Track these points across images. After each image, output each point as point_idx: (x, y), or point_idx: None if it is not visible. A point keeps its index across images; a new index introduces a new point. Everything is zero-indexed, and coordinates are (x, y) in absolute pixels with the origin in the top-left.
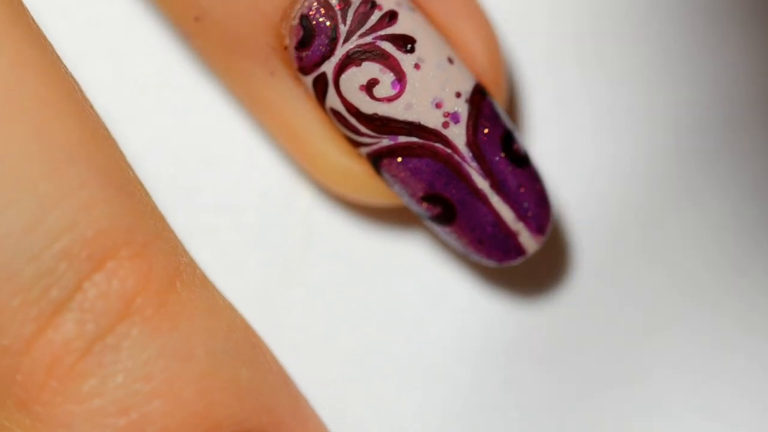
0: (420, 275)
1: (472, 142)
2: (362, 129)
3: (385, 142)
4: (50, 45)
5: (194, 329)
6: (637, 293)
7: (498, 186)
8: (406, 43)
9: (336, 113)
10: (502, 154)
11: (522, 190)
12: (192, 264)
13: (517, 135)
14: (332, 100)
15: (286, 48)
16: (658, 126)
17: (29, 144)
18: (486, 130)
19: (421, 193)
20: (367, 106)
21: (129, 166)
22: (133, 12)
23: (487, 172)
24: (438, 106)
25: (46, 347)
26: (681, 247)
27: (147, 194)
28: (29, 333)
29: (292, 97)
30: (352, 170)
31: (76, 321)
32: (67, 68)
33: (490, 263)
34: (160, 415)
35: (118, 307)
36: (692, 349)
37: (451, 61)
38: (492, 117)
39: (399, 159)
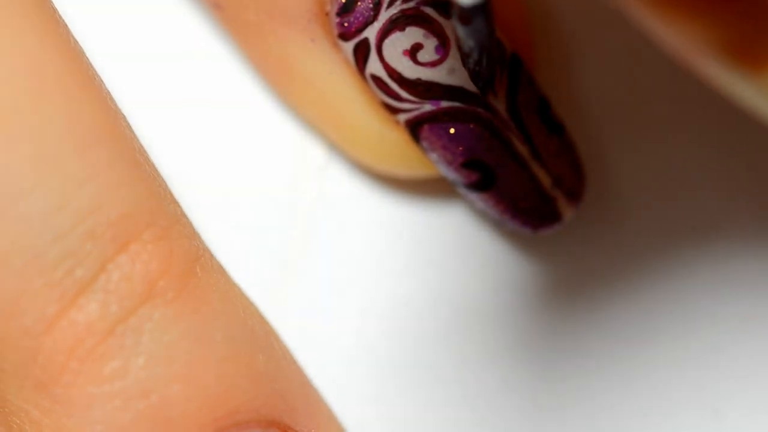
0: (420, 275)
1: (513, 108)
2: (403, 95)
3: (427, 107)
4: (71, 32)
5: (214, 313)
6: (637, 293)
7: (537, 152)
8: (448, 8)
9: (376, 79)
10: (540, 121)
11: (559, 156)
12: (208, 250)
13: (552, 103)
14: (373, 65)
15: (326, 14)
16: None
17: (58, 123)
18: (525, 97)
19: (460, 159)
20: (411, 71)
21: (146, 153)
22: (136, 9)
23: (527, 138)
24: None
25: (69, 328)
26: (682, 244)
27: (164, 180)
28: (52, 313)
29: (331, 64)
30: (387, 138)
31: (99, 302)
32: (86, 55)
33: (525, 231)
34: (180, 399)
35: (141, 289)
36: (692, 349)
37: None
38: (529, 84)
39: (442, 123)
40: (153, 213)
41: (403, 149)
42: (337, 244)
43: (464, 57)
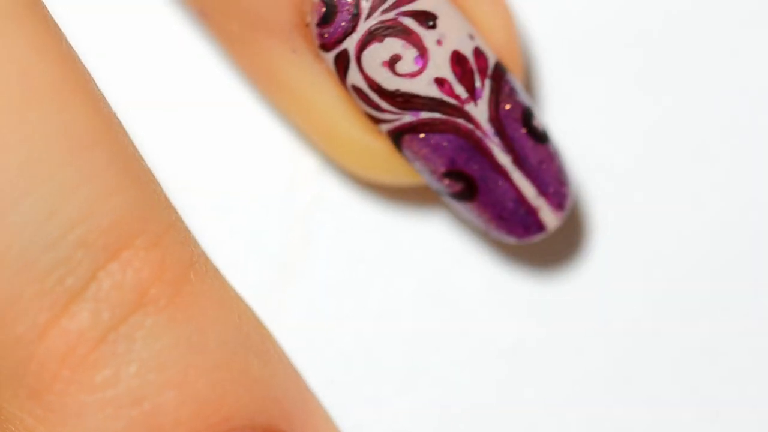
0: (420, 275)
1: (494, 118)
2: (384, 105)
3: (407, 118)
4: (64, 35)
5: (207, 320)
6: (636, 294)
7: (519, 162)
8: (427, 18)
9: (357, 90)
10: (523, 130)
11: (543, 166)
12: (204, 255)
13: (536, 111)
14: (354, 76)
15: (307, 25)
16: (679, 110)
17: (48, 131)
18: (507, 106)
19: (442, 169)
20: (390, 82)
21: (141, 157)
22: (133, 10)
23: (509, 148)
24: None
25: (60, 336)
26: (682, 245)
27: (159, 185)
28: (43, 322)
29: (313, 75)
30: (372, 148)
31: (90, 311)
32: (80, 58)
33: (510, 240)
34: (172, 406)
35: (133, 297)
36: (691, 349)
37: (472, 37)
38: (512, 93)
39: (421, 135)
40: (145, 220)
41: (388, 159)
42: (335, 246)
43: None
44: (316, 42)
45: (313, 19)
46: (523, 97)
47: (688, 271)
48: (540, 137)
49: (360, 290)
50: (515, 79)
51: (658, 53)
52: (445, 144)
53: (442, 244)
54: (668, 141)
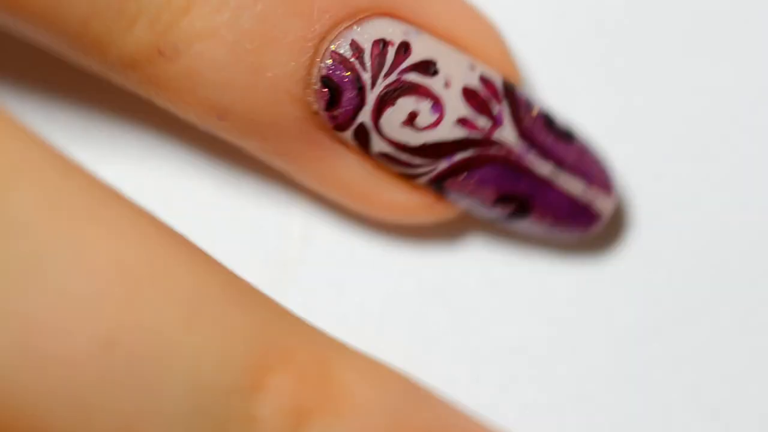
0: (418, 275)
1: (523, 134)
2: (416, 162)
3: (443, 165)
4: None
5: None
6: (636, 293)
7: (560, 165)
8: (428, 67)
9: (385, 156)
10: (552, 135)
11: (580, 160)
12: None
13: (554, 113)
14: (378, 144)
15: (316, 113)
16: (660, 125)
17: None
18: (529, 118)
19: (492, 198)
20: (415, 138)
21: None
22: None
23: (546, 156)
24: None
25: None
26: (680, 246)
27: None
28: None
29: (336, 156)
30: (413, 201)
31: None
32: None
33: (574, 236)
34: None
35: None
36: (692, 349)
37: (473, 67)
38: (528, 105)
39: (462, 174)
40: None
41: (430, 206)
42: (335, 246)
43: None
44: (330, 125)
45: (320, 106)
46: (538, 104)
47: (693, 268)
48: (567, 136)
49: (360, 289)
50: (524, 91)
51: (638, 81)
52: (487, 175)
53: (442, 244)
54: (669, 140)
